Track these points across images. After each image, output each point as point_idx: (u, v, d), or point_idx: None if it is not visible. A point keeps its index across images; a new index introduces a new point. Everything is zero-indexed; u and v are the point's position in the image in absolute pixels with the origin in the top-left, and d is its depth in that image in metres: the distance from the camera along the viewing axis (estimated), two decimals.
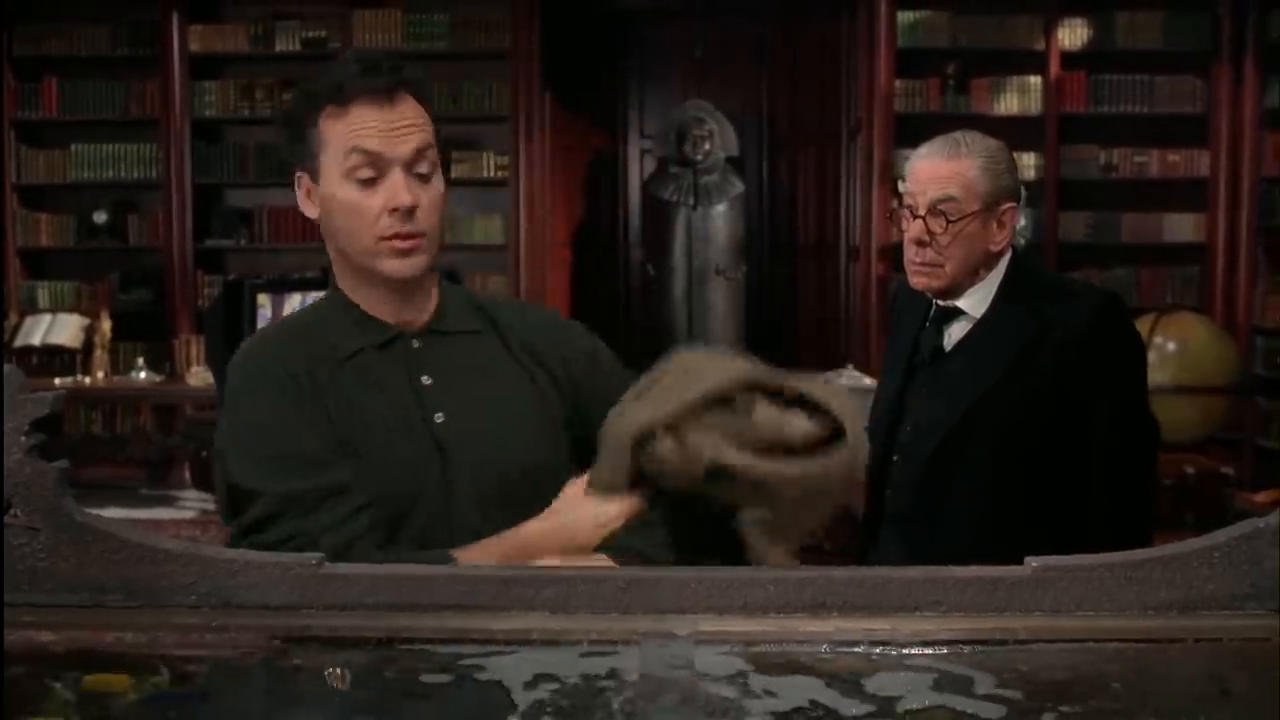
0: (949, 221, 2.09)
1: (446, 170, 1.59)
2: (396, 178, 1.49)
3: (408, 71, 1.54)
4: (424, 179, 1.52)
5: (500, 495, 1.53)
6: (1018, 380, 2.08)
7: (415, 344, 1.59)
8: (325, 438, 1.49)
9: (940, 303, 2.19)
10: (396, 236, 1.50)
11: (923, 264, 2.13)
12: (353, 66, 1.51)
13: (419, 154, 1.51)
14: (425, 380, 1.57)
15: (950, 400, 2.13)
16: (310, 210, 1.57)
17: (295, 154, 1.56)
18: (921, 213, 2.11)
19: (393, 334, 1.58)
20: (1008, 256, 2.18)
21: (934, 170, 2.12)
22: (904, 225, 2.16)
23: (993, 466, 2.09)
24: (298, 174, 1.57)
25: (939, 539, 2.12)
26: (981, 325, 2.15)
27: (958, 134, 2.17)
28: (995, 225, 2.13)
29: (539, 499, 1.53)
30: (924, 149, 2.18)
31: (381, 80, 1.50)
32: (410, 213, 1.50)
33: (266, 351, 1.58)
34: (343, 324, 1.58)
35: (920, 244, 2.12)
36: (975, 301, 2.16)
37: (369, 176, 1.50)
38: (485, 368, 1.62)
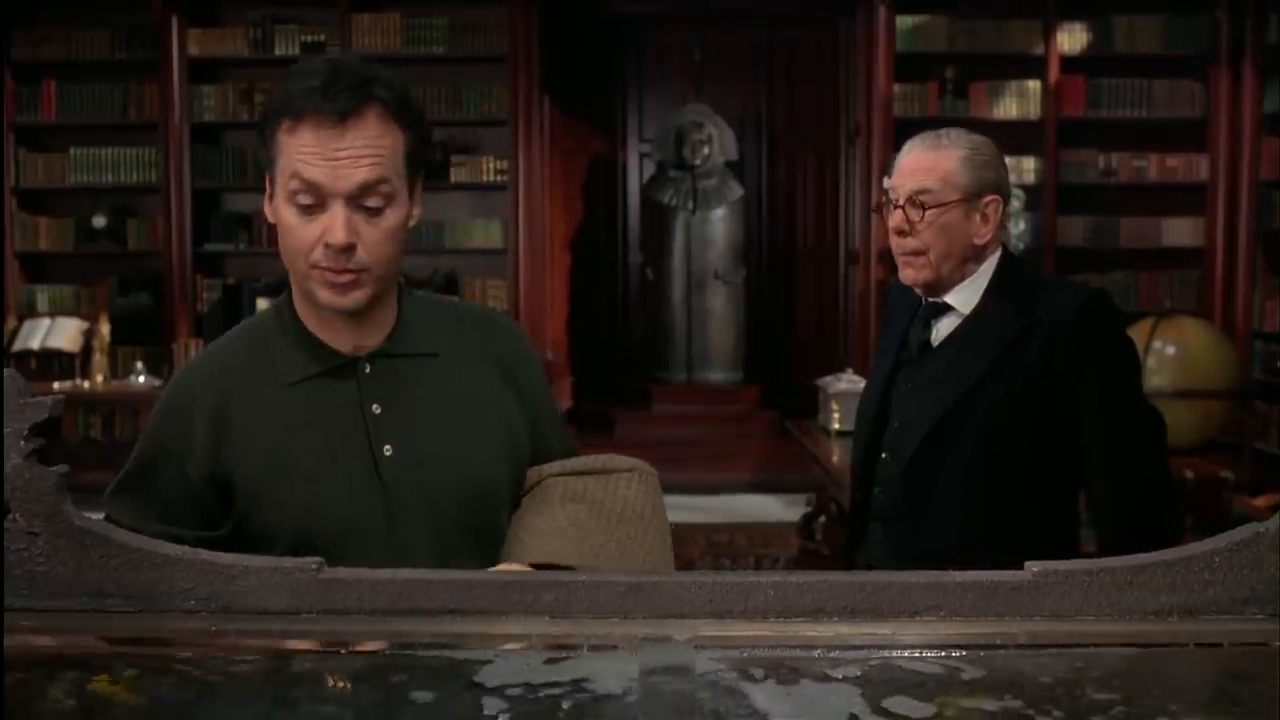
0: (925, 210, 2.11)
1: (423, 184, 1.50)
2: (336, 212, 1.39)
3: (379, 88, 1.42)
4: (373, 212, 1.41)
5: (454, 524, 1.48)
6: (1004, 376, 2.08)
7: (366, 369, 1.51)
8: (182, 490, 1.49)
9: (929, 298, 2.20)
10: (330, 269, 1.42)
11: (905, 254, 2.16)
12: (312, 79, 1.39)
13: (366, 188, 1.40)
14: (375, 409, 1.50)
15: (936, 396, 2.14)
16: (270, 217, 1.48)
17: (262, 157, 1.47)
18: (901, 203, 2.14)
19: (341, 360, 1.51)
20: (997, 254, 2.19)
21: (914, 162, 2.15)
22: (886, 216, 2.19)
23: (978, 462, 2.10)
24: (266, 176, 1.49)
25: (925, 535, 2.12)
26: (969, 321, 2.16)
27: (943, 129, 2.21)
28: (978, 218, 2.14)
29: (495, 522, 1.52)
30: (908, 144, 2.21)
31: (337, 102, 1.38)
32: (347, 249, 1.40)
33: (199, 378, 1.55)
34: (291, 347, 1.52)
35: (900, 233, 2.15)
36: (964, 297, 2.17)
37: (307, 204, 1.40)
38: (441, 391, 1.53)
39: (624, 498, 1.54)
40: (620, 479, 1.56)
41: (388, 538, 1.47)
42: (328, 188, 1.39)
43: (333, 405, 1.49)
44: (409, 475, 1.48)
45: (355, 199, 1.40)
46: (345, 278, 1.42)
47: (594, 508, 1.52)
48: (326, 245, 1.40)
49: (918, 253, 2.14)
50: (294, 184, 1.40)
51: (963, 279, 2.17)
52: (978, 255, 2.16)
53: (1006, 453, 2.09)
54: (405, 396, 1.51)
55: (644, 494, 1.56)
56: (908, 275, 2.18)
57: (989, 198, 2.14)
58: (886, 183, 2.20)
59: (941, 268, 2.14)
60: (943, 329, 2.19)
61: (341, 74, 1.40)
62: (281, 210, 1.43)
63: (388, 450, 1.48)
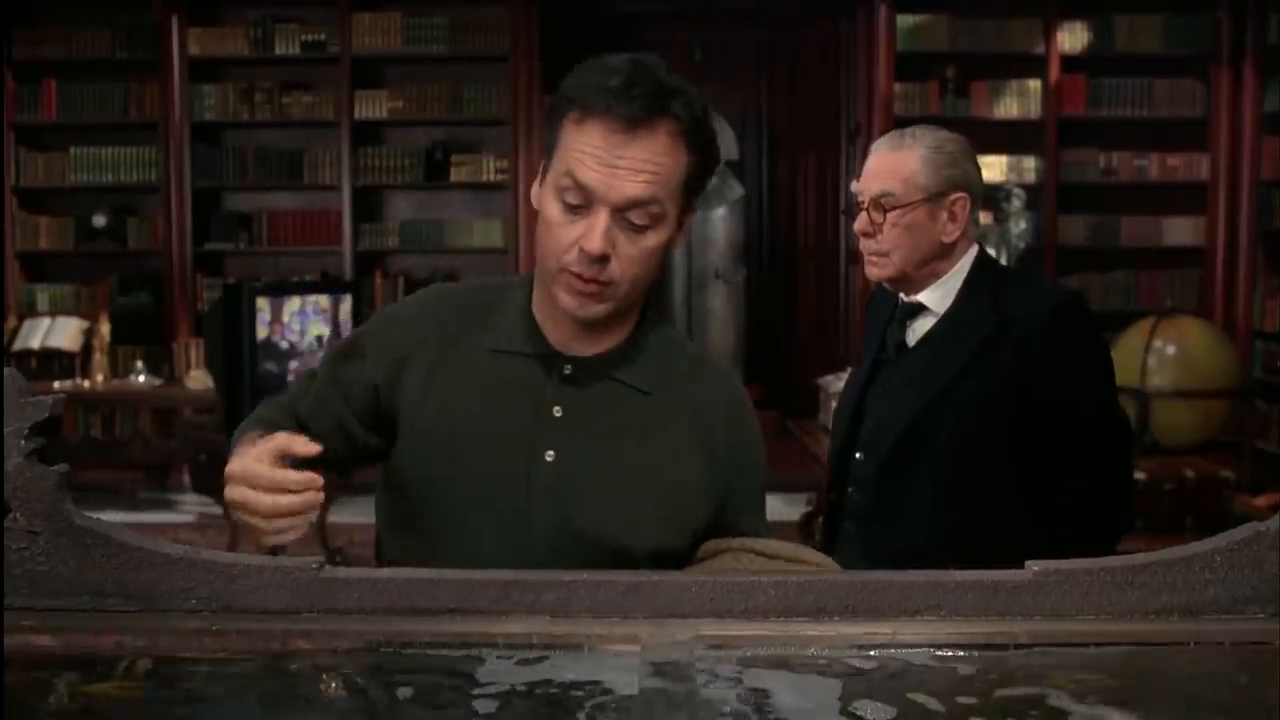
0: (887, 212, 2.12)
1: (688, 215, 1.43)
2: (600, 219, 1.34)
3: (677, 104, 1.34)
4: (636, 229, 1.35)
5: (585, 562, 1.33)
6: (976, 376, 2.08)
7: (566, 369, 1.44)
8: (342, 405, 1.50)
9: (905, 298, 2.21)
10: (578, 277, 1.36)
11: (869, 254, 2.18)
12: (612, 76, 1.33)
13: (636, 204, 1.34)
14: (556, 411, 1.43)
15: (910, 396, 2.14)
16: (534, 201, 1.43)
17: (546, 136, 1.41)
18: (865, 205, 2.15)
19: (547, 350, 1.45)
20: (972, 253, 2.19)
21: (878, 164, 2.16)
22: (854, 219, 2.21)
23: (951, 462, 2.09)
24: (543, 161, 1.43)
25: (899, 534, 2.11)
26: (944, 321, 2.16)
27: (910, 128, 2.21)
28: (945, 216, 2.13)
29: None
30: (875, 144, 2.23)
31: (632, 107, 1.32)
32: (601, 259, 1.35)
33: (428, 308, 1.52)
34: (509, 318, 1.48)
35: (865, 235, 2.16)
36: (938, 297, 2.17)
37: (575, 204, 1.35)
38: (631, 428, 1.44)
39: None
40: (802, 570, 1.41)
41: (519, 542, 1.40)
42: (598, 194, 1.34)
43: (518, 389, 1.44)
44: (556, 488, 1.41)
45: (622, 211, 1.34)
46: (591, 288, 1.37)
47: None
48: (581, 250, 1.35)
49: (882, 253, 2.15)
50: (565, 180, 1.35)
51: (934, 277, 2.17)
52: (946, 253, 2.16)
53: (980, 452, 2.09)
54: (592, 414, 1.44)
55: None
56: (872, 273, 2.20)
57: (955, 195, 2.13)
58: (854, 185, 2.21)
59: (906, 266, 2.15)
60: (918, 329, 2.20)
61: (642, 78, 1.34)
62: (547, 202, 1.38)
63: (549, 456, 1.42)
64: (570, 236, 1.36)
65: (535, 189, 1.43)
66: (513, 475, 1.42)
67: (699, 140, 1.37)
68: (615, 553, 1.39)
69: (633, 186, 1.33)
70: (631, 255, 1.36)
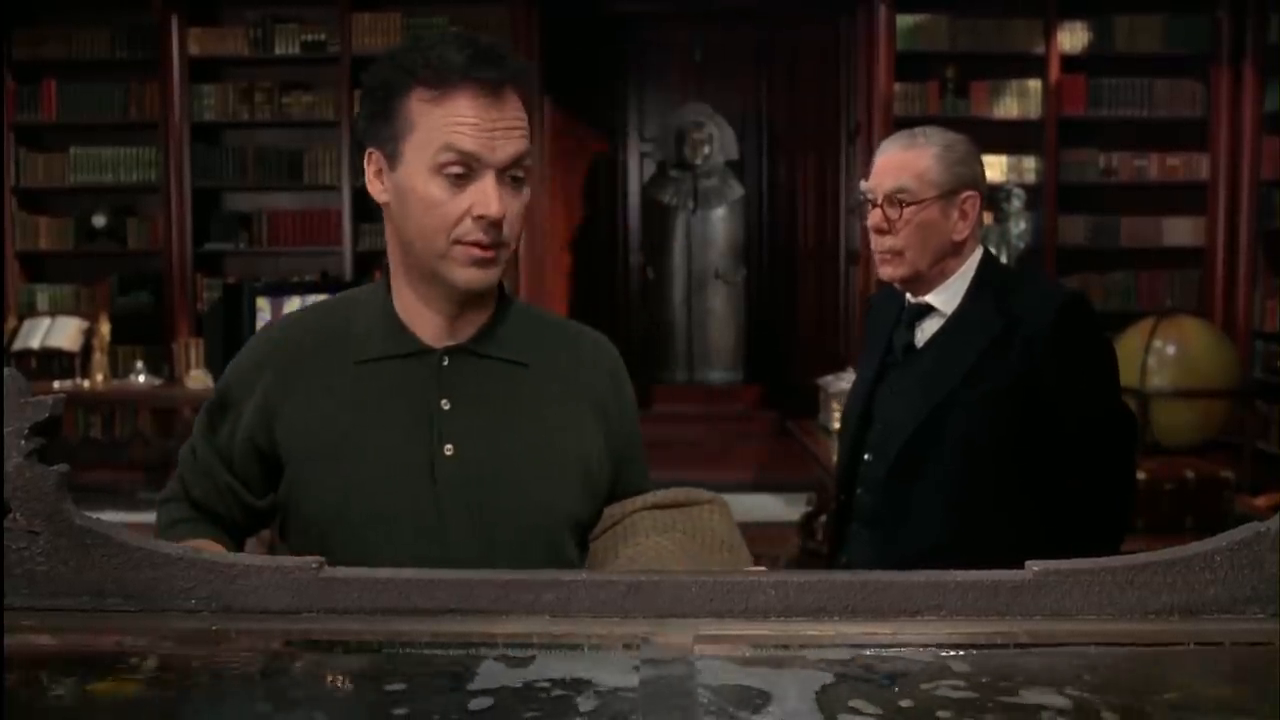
0: (903, 208, 2.13)
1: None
2: (488, 182, 1.36)
3: (511, 61, 1.39)
4: (517, 184, 1.39)
5: (508, 543, 1.39)
6: (984, 377, 2.10)
7: (444, 361, 1.45)
8: (233, 448, 1.49)
9: (912, 299, 2.22)
10: (476, 245, 1.37)
11: (883, 251, 2.18)
12: (461, 49, 1.36)
13: (518, 160, 1.38)
14: (444, 405, 1.43)
15: (919, 397, 2.15)
16: (378, 193, 1.43)
17: (371, 129, 1.41)
18: (879, 202, 2.16)
19: (420, 348, 1.45)
20: (978, 255, 2.21)
21: (890, 161, 2.18)
22: (864, 216, 2.22)
23: (960, 462, 2.11)
24: (369, 150, 1.42)
25: (907, 536, 2.13)
26: (951, 322, 2.18)
27: (919, 128, 2.23)
28: (956, 215, 2.16)
29: (558, 551, 1.43)
30: (884, 143, 2.24)
31: (493, 71, 1.36)
32: (497, 223, 1.37)
33: (274, 338, 1.51)
34: (372, 325, 1.47)
35: (879, 231, 2.17)
36: (946, 298, 2.19)
37: (458, 174, 1.36)
38: (521, 404, 1.46)
39: (712, 528, 1.48)
40: (704, 510, 1.50)
41: (437, 541, 1.40)
42: (485, 157, 1.36)
43: (401, 392, 1.43)
44: (465, 480, 1.41)
45: (506, 170, 1.37)
46: (489, 253, 1.38)
47: (687, 539, 1.45)
48: (478, 218, 1.36)
49: (896, 251, 2.16)
50: (446, 155, 1.35)
51: (943, 277, 2.18)
52: (956, 252, 2.18)
53: (988, 453, 2.10)
54: (480, 399, 1.44)
55: (728, 525, 1.52)
56: (886, 272, 2.21)
57: (966, 194, 2.16)
58: (863, 184, 2.22)
59: (919, 264, 2.16)
60: (926, 330, 2.21)
61: (486, 44, 1.38)
62: (421, 183, 1.37)
63: (448, 450, 1.41)
64: (459, 208, 1.37)
65: (376, 183, 1.43)
66: (416, 478, 1.41)
67: (532, 98, 1.43)
68: (534, 530, 1.41)
69: (512, 144, 1.37)
70: (516, 212, 1.40)
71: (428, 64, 1.36)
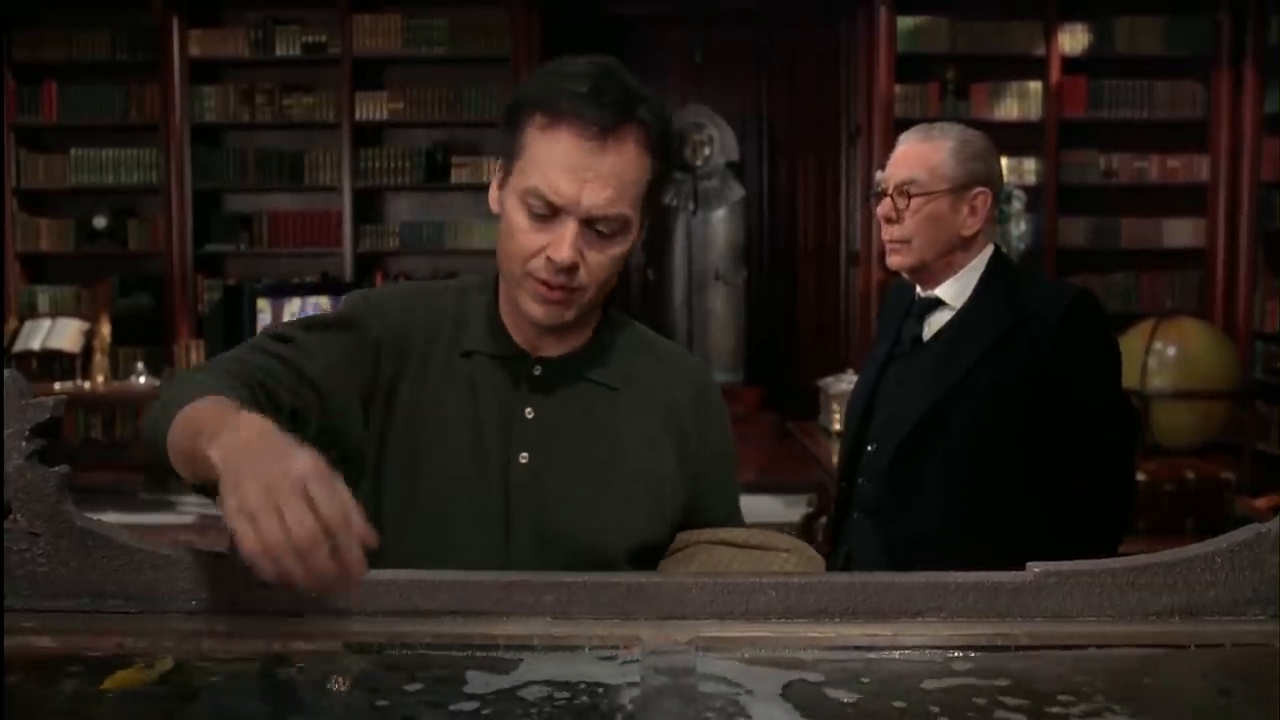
0: (911, 198, 2.17)
1: (645, 222, 1.40)
2: (568, 228, 1.32)
3: (644, 110, 1.33)
4: (603, 238, 1.34)
5: (565, 559, 1.34)
6: (990, 371, 2.12)
7: (536, 370, 1.43)
8: (321, 364, 1.37)
9: (922, 292, 2.25)
10: (544, 284, 1.35)
11: (891, 240, 2.22)
12: (578, 81, 1.31)
13: (605, 215, 1.32)
14: (528, 413, 1.42)
15: (924, 388, 2.18)
16: (491, 202, 1.41)
17: (502, 139, 1.39)
18: (890, 192, 2.20)
19: (515, 352, 1.44)
20: (989, 250, 2.23)
21: (905, 152, 2.22)
22: (876, 205, 2.25)
23: (961, 456, 2.13)
24: (499, 158, 1.40)
25: (908, 528, 2.14)
26: (960, 315, 2.21)
27: (938, 123, 2.27)
28: (966, 209, 2.19)
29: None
30: (903, 135, 2.27)
31: (603, 113, 1.30)
32: (570, 269, 1.33)
33: (411, 300, 1.48)
34: (478, 321, 1.46)
35: (888, 220, 2.21)
36: (955, 292, 2.21)
37: (542, 213, 1.33)
38: (601, 424, 1.44)
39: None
40: (775, 558, 1.41)
41: (498, 541, 1.39)
42: (568, 206, 1.32)
43: (489, 391, 1.42)
44: (533, 489, 1.40)
45: (590, 222, 1.33)
46: (558, 295, 1.35)
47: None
48: (549, 260, 1.33)
49: (903, 240, 2.20)
50: (533, 189, 1.32)
51: (951, 270, 2.21)
52: (965, 246, 2.20)
53: (991, 445, 2.12)
54: (563, 414, 1.43)
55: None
56: (893, 261, 2.24)
57: (977, 190, 2.18)
58: (878, 175, 2.26)
59: (925, 255, 2.19)
60: (934, 323, 2.24)
61: (609, 82, 1.32)
62: (513, 209, 1.36)
63: (523, 458, 1.40)
64: (536, 244, 1.34)
65: (494, 192, 1.41)
66: (488, 479, 1.40)
67: (663, 146, 1.36)
68: (595, 550, 1.38)
69: (602, 198, 1.32)
70: (598, 263, 1.35)
71: (549, 91, 1.32)
